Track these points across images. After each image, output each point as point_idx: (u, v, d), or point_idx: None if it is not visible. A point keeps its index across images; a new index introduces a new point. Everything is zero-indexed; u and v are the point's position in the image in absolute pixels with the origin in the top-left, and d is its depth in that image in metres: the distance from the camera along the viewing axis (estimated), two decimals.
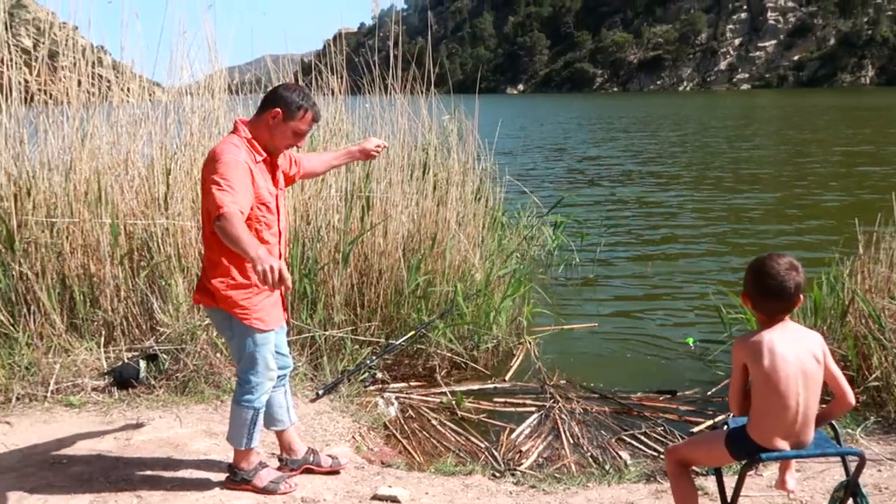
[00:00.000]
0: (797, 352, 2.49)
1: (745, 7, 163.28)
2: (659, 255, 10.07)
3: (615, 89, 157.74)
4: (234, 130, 3.25)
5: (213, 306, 3.28)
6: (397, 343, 5.22)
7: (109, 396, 4.45)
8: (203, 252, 3.41)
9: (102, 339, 4.93)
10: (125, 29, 5.77)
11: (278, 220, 3.33)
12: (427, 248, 5.70)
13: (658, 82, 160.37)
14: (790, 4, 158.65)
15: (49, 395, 4.42)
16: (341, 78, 6.33)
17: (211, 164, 3.07)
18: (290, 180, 3.62)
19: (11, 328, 4.82)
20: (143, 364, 4.56)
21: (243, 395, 3.33)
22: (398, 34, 6.35)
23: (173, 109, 5.90)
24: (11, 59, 5.36)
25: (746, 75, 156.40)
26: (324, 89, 6.36)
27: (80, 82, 5.57)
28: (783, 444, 2.51)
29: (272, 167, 3.33)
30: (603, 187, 16.85)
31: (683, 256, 10.00)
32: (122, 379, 4.49)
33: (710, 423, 4.59)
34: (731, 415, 2.77)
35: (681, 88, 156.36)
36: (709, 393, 5.20)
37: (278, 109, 3.19)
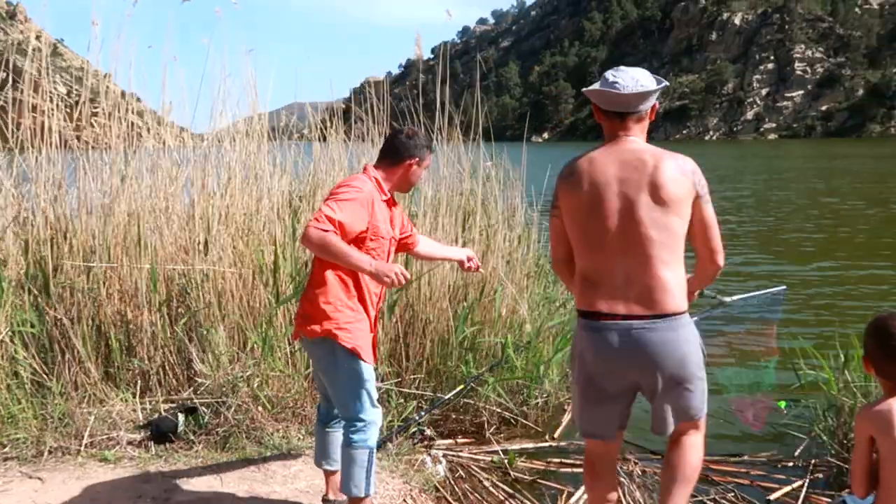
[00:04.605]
0: None
1: (771, 57, 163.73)
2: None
3: None
4: (363, 172, 3.42)
5: (316, 336, 3.21)
6: (447, 397, 4.96)
7: (146, 451, 4.22)
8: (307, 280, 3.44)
9: (138, 390, 4.73)
10: (165, 72, 5.69)
11: (386, 261, 3.34)
12: (475, 297, 5.46)
13: (684, 131, 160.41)
14: (818, 55, 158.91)
15: (83, 448, 4.20)
16: (382, 123, 6.18)
17: (338, 186, 3.26)
18: (403, 246, 3.66)
19: (45, 376, 4.64)
20: (181, 417, 4.34)
21: (356, 436, 3.24)
22: (449, 81, 6.20)
23: (213, 154, 5.78)
24: (55, 105, 5.30)
25: (774, 125, 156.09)
26: (363, 136, 6.21)
27: (110, 129, 5.48)
28: None
29: (391, 209, 3.42)
30: None
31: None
32: (160, 432, 4.26)
33: (787, 489, 4.26)
34: (850, 492, 2.47)
35: (707, 138, 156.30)
36: (778, 454, 4.86)
37: (416, 159, 3.41)
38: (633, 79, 2.90)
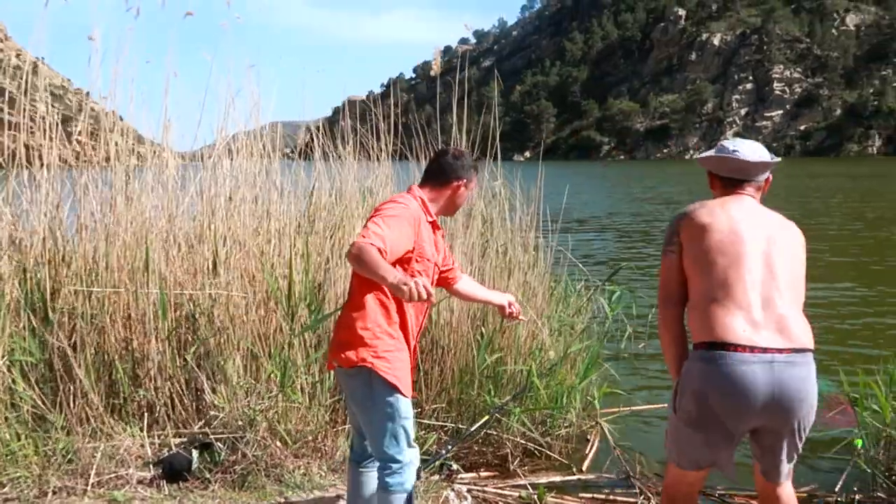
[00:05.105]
0: None
1: (750, 78, 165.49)
2: None
3: (622, 157, 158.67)
4: (409, 190, 3.24)
5: (352, 366, 2.96)
6: (472, 429, 4.71)
7: (158, 491, 3.93)
8: (344, 305, 3.24)
9: (145, 423, 4.44)
10: (167, 85, 5.42)
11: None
12: (498, 323, 5.22)
13: (665, 150, 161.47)
14: (796, 75, 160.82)
15: (89, 487, 3.91)
16: (388, 140, 5.96)
17: (383, 204, 3.07)
18: (443, 281, 3.45)
19: (46, 409, 4.34)
20: (195, 453, 4.05)
21: (392, 479, 2.99)
22: (449, 95, 5.98)
23: (219, 172, 5.51)
24: (49, 125, 5.03)
25: None
26: (370, 153, 5.98)
27: (93, 148, 5.22)
28: None
29: (435, 232, 3.22)
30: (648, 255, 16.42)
31: None
32: (173, 470, 3.98)
33: None
34: None
35: (687, 157, 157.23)
36: (818, 488, 4.64)
37: (463, 180, 3.25)
38: (752, 149, 3.04)
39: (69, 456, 4.10)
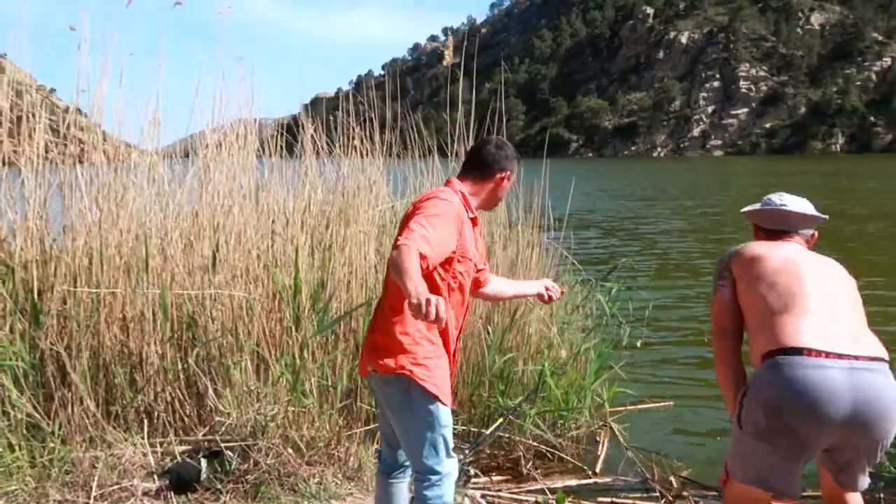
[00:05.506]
0: None
1: (717, 76, 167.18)
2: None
3: (590, 154, 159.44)
4: (447, 184, 3.02)
5: (390, 372, 2.75)
6: (488, 432, 4.55)
7: (166, 503, 3.72)
8: (379, 306, 2.98)
9: (145, 431, 4.21)
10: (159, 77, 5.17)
11: (471, 285, 2.96)
12: (508, 322, 5.07)
13: (633, 147, 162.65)
14: (761, 73, 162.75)
15: (92, 501, 3.68)
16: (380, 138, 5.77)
17: (424, 200, 2.82)
18: (474, 282, 3.14)
19: (40, 417, 4.09)
20: (204, 463, 3.84)
21: (431, 492, 2.79)
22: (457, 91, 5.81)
23: (213, 168, 5.28)
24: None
25: (719, 142, 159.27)
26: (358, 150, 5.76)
27: (55, 145, 4.96)
28: None
29: (474, 228, 3.00)
30: (637, 250, 16.35)
31: None
32: (181, 481, 3.75)
33: None
34: None
35: (655, 154, 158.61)
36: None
37: (507, 172, 3.06)
38: (798, 202, 3.06)
39: (66, 467, 3.87)
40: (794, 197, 3.09)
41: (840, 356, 2.45)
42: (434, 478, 2.80)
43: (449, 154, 5.95)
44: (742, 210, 3.26)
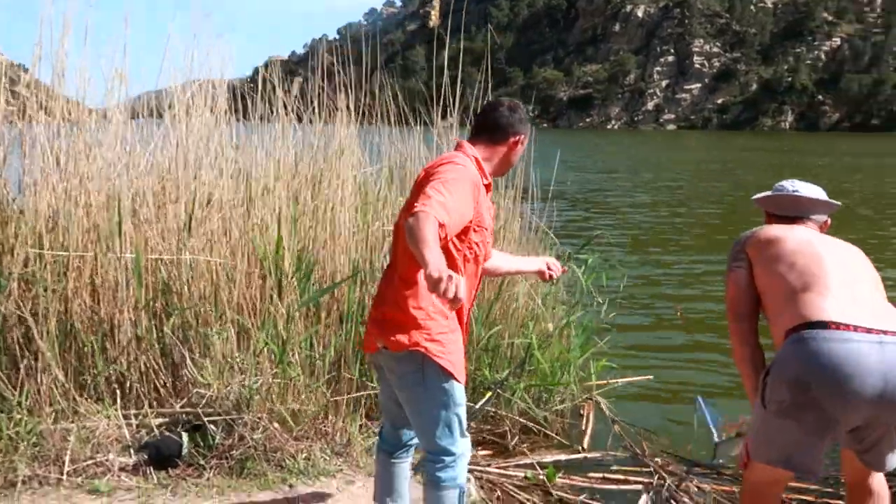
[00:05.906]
0: None
1: (672, 51, 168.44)
2: (684, 297, 9.44)
3: (545, 125, 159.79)
4: (458, 148, 2.82)
5: (402, 349, 2.58)
6: (477, 406, 4.42)
7: (145, 479, 3.49)
8: (387, 277, 2.80)
9: (118, 403, 3.97)
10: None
11: (485, 256, 2.76)
12: (494, 294, 4.92)
13: (587, 119, 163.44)
14: (715, 50, 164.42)
15: (65, 476, 3.46)
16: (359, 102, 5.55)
17: (438, 165, 2.61)
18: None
19: (2, 385, 3.83)
20: (185, 437, 3.63)
21: (445, 473, 2.64)
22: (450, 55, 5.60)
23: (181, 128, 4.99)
24: None
25: (672, 116, 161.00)
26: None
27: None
28: None
29: (488, 194, 2.80)
30: (609, 222, 16.34)
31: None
32: (161, 456, 3.55)
33: None
34: None
35: (609, 126, 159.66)
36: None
37: (520, 135, 2.88)
38: (810, 188, 3.06)
39: (34, 439, 3.63)
40: (806, 183, 3.10)
41: (869, 330, 2.38)
42: (448, 459, 2.65)
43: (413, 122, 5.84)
44: (753, 197, 3.23)
